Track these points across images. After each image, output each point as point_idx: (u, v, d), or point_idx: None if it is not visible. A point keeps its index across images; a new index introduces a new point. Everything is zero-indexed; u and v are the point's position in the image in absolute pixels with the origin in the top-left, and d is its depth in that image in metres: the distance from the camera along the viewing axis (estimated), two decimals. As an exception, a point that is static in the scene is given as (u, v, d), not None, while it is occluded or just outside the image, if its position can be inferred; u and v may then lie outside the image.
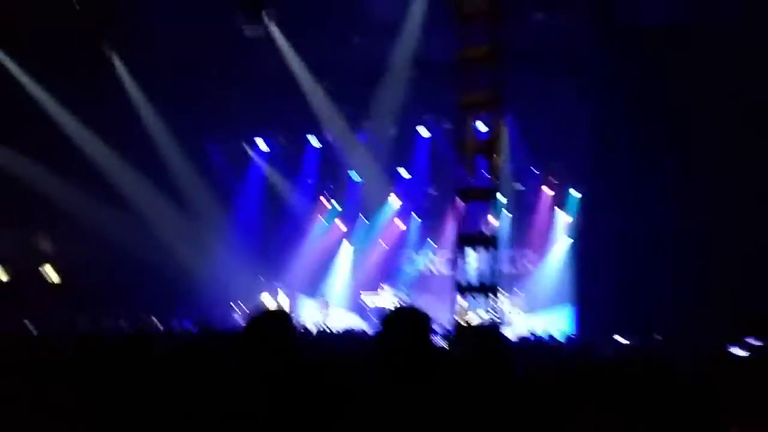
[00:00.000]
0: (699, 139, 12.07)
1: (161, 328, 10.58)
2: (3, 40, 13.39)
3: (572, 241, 16.04)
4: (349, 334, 9.19)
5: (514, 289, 16.04)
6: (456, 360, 4.05)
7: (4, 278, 14.90)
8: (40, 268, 15.49)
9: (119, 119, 14.75)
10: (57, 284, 15.30)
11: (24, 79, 14.08)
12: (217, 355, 3.82)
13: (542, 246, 16.77)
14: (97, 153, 14.85)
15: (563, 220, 16.55)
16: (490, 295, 9.25)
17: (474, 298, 9.66)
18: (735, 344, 9.22)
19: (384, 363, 2.52)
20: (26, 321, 8.72)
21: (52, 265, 15.47)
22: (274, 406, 2.42)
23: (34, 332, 7.06)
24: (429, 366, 2.48)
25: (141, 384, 2.94)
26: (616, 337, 10.69)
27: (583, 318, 14.21)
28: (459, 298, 9.64)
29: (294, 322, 2.88)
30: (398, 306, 2.74)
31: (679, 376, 3.29)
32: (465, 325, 7.55)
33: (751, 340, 9.34)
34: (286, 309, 14.87)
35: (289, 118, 16.19)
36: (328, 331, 11.38)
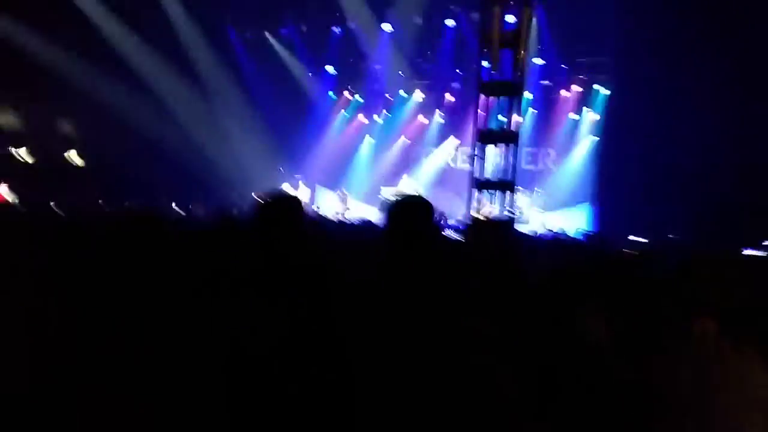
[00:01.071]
0: (734, 37, 11.53)
1: (180, 212, 10.77)
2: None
3: (596, 140, 15.80)
4: (363, 224, 9.28)
5: (534, 187, 15.98)
6: (466, 250, 4.09)
7: (30, 160, 15.14)
8: (64, 153, 15.69)
9: (141, 3, 14.46)
10: (80, 168, 15.55)
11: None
12: (229, 237, 3.90)
13: (565, 144, 16.57)
14: (120, 38, 14.70)
15: (589, 118, 16.24)
16: (507, 191, 9.24)
17: (491, 194, 9.66)
18: (751, 247, 9.23)
19: (387, 249, 2.54)
20: (52, 204, 8.88)
21: (75, 149, 15.65)
22: (277, 286, 2.47)
23: (62, 214, 7.20)
24: (432, 251, 2.49)
25: (153, 261, 3.00)
26: (632, 237, 10.72)
27: (601, 217, 14.20)
28: (476, 193, 9.65)
29: (305, 208, 2.89)
30: (402, 195, 2.73)
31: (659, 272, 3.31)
32: (478, 218, 7.59)
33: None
34: (305, 199, 15.03)
35: (312, 7, 15.71)
36: (344, 221, 11.52)
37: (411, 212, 2.56)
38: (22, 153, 15.07)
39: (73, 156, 15.75)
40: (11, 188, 12.85)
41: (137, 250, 3.21)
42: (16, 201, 11.88)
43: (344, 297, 2.50)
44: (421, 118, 17.80)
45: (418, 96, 17.60)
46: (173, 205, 11.93)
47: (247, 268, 2.66)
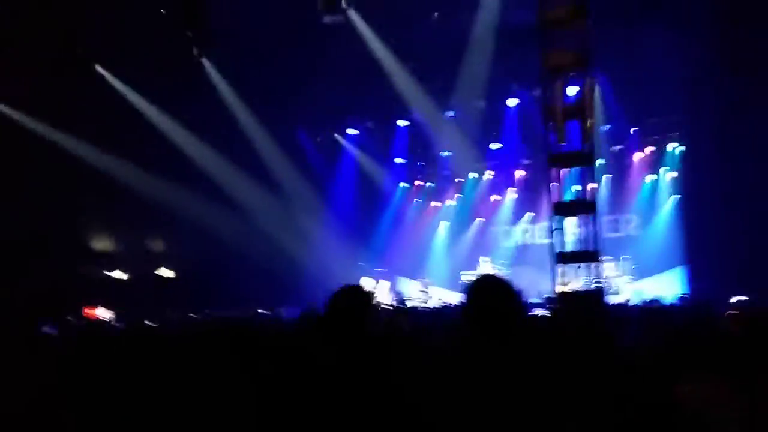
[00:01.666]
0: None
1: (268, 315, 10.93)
2: (98, 55, 14.14)
3: (677, 199, 15.30)
4: (444, 308, 9.17)
5: (621, 255, 15.48)
6: (555, 326, 3.97)
7: (124, 277, 15.86)
8: (155, 270, 16.38)
9: (213, 118, 15.30)
10: (170, 280, 16.15)
11: (124, 90, 14.85)
12: (312, 333, 3.93)
13: (646, 208, 16.11)
14: (197, 153, 15.48)
15: (666, 178, 15.82)
16: (592, 262, 8.96)
17: (575, 267, 9.39)
18: None
19: (466, 329, 2.49)
20: (145, 321, 9.19)
21: (165, 265, 16.32)
22: (340, 379, 2.45)
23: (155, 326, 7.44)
24: (514, 329, 2.42)
25: (236, 366, 3.06)
26: (734, 298, 10.12)
27: (696, 280, 13.55)
28: (559, 268, 9.40)
29: (373, 298, 2.90)
30: (481, 275, 2.69)
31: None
32: (565, 291, 7.37)
33: None
34: (384, 290, 15.03)
35: (376, 103, 16.24)
36: (424, 308, 11.42)
37: (489, 291, 2.51)
38: (116, 274, 15.83)
39: (163, 271, 16.41)
40: (108, 308, 13.42)
41: (224, 356, 3.28)
42: (113, 318, 12.36)
43: (423, 375, 2.45)
44: (494, 197, 17.78)
45: (489, 176, 17.65)
46: (259, 310, 12.13)
47: (322, 360, 2.66)
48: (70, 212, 14.21)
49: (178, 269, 16.19)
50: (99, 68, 14.39)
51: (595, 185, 9.36)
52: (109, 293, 14.40)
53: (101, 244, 16.05)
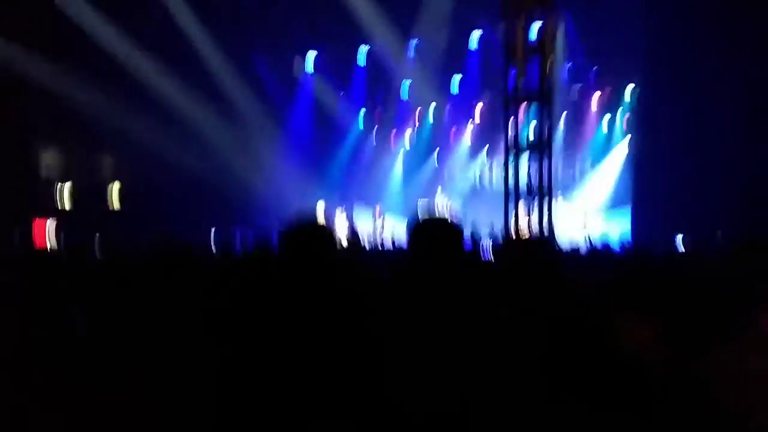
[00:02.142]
0: (757, 29, 11.29)
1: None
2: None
3: (629, 139, 15.56)
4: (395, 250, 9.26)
5: (573, 193, 15.78)
6: (498, 270, 4.03)
7: (68, 203, 15.54)
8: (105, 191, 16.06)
9: (168, 36, 14.76)
10: (119, 206, 15.91)
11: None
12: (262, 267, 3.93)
13: (602, 147, 16.35)
14: (149, 73, 14.98)
15: (622, 119, 16.02)
16: (544, 200, 9.13)
17: (528, 204, 9.55)
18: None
19: (410, 274, 2.51)
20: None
21: (114, 186, 16.02)
22: (302, 324, 2.45)
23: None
24: (457, 273, 2.45)
25: (184, 292, 3.05)
26: (678, 238, 10.48)
27: (642, 219, 13.93)
28: (512, 204, 9.56)
29: (333, 235, 2.81)
30: (425, 218, 2.67)
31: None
32: (512, 237, 7.50)
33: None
34: (334, 219, 15.08)
35: (337, 29, 15.85)
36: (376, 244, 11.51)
37: (432, 234, 2.52)
38: (66, 191, 15.48)
39: (114, 194, 16.11)
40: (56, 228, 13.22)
41: (169, 281, 3.26)
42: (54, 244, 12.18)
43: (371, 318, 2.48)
44: (452, 132, 17.77)
45: (448, 111, 17.59)
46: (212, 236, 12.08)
47: (275, 299, 2.64)
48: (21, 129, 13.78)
49: (128, 193, 15.91)
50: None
51: (549, 126, 9.43)
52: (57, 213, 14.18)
53: (51, 158, 15.64)
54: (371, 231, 15.69)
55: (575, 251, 8.35)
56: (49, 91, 13.66)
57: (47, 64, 13.64)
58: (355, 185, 17.94)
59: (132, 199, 15.71)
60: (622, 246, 9.57)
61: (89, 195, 15.51)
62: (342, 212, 16.96)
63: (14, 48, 13.30)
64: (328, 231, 2.76)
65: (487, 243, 8.10)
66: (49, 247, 11.13)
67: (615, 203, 15.59)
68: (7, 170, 13.12)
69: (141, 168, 15.31)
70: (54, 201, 15.10)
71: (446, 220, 2.62)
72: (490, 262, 4.66)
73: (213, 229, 12.61)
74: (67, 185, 15.51)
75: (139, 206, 14.89)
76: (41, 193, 14.90)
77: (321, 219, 3.06)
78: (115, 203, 15.82)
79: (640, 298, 3.08)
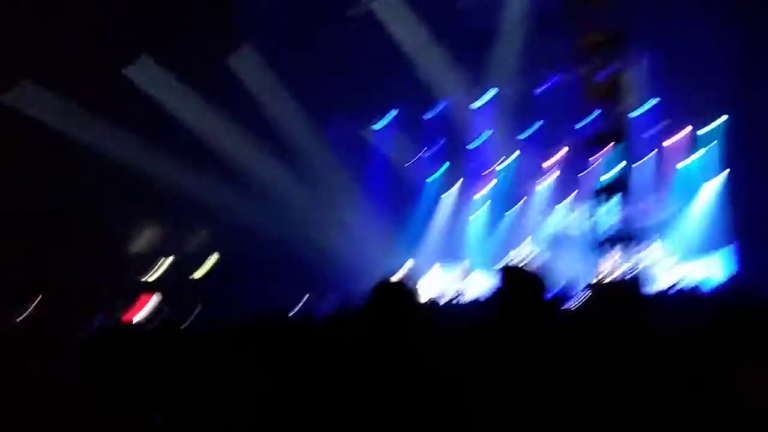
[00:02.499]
0: None
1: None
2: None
3: (720, 178, 14.87)
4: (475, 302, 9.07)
5: (661, 237, 15.11)
6: (588, 319, 3.87)
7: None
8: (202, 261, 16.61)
9: (248, 109, 15.38)
10: (209, 278, 16.40)
11: (166, 84, 14.98)
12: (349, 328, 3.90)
13: (688, 188, 15.67)
14: (231, 143, 15.56)
15: (705, 158, 15.38)
16: (630, 244, 8.77)
17: (616, 250, 9.20)
18: None
19: (493, 327, 2.44)
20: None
21: (212, 258, 16.57)
22: (389, 387, 2.39)
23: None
24: (542, 325, 2.36)
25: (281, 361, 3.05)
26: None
27: (744, 259, 13.14)
28: (599, 252, 9.23)
29: (415, 294, 2.76)
30: (507, 267, 2.61)
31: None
32: (599, 282, 7.22)
33: None
34: (417, 279, 14.93)
35: (406, 91, 16.13)
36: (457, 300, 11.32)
37: (516, 285, 2.45)
38: (166, 264, 16.12)
39: (209, 265, 16.65)
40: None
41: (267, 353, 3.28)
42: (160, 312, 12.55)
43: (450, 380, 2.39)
44: (530, 184, 17.55)
45: (524, 161, 17.41)
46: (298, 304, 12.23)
47: (359, 359, 2.59)
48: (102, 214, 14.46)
49: (217, 268, 16.42)
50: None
51: (628, 169, 9.15)
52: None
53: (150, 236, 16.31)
54: (458, 288, 15.47)
55: (669, 294, 7.92)
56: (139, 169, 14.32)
57: (137, 143, 14.37)
58: (438, 244, 17.85)
59: (223, 271, 16.19)
60: (727, 283, 9.02)
61: (184, 269, 16.09)
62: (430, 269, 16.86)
63: (108, 128, 14.11)
64: (408, 288, 2.72)
65: (573, 290, 7.85)
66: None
67: (709, 246, 14.79)
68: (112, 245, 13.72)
69: (231, 240, 15.81)
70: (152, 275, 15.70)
71: (527, 270, 2.56)
72: (574, 309, 4.48)
73: (306, 296, 12.67)
74: (169, 259, 16.16)
75: (231, 277, 15.30)
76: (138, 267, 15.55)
77: (404, 278, 3.01)
78: (206, 272, 16.35)
79: (753, 342, 2.86)
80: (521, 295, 2.45)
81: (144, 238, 16.21)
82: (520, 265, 2.86)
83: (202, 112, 15.19)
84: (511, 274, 2.60)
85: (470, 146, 17.41)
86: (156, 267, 16.04)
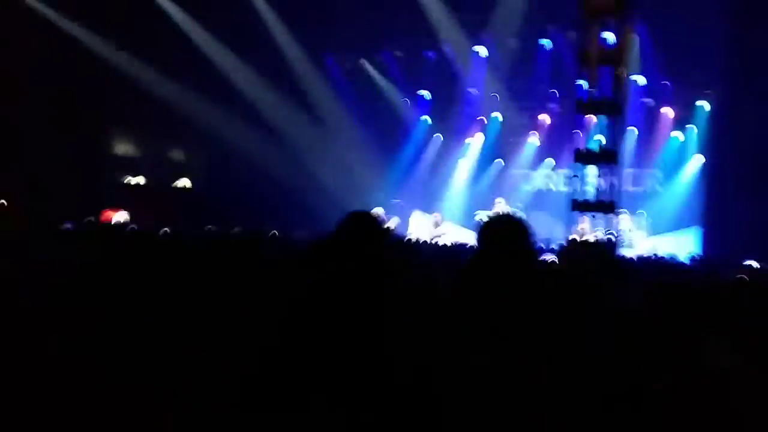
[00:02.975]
0: None
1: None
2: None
3: (703, 158, 15.07)
4: (457, 246, 9.20)
5: (640, 210, 15.37)
6: (559, 272, 3.98)
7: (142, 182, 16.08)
8: (175, 180, 16.59)
9: (246, 31, 15.16)
10: (190, 192, 16.37)
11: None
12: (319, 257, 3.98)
13: (672, 164, 15.87)
14: (228, 66, 15.43)
15: (694, 136, 15.53)
16: (609, 213, 8.93)
17: (594, 217, 9.36)
18: None
19: (474, 267, 2.50)
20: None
21: (186, 176, 16.51)
22: (347, 304, 2.46)
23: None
24: (524, 272, 2.42)
25: (249, 281, 3.12)
26: (750, 262, 10.08)
27: (712, 241, 13.47)
28: (578, 216, 9.39)
29: (383, 225, 2.84)
30: (496, 214, 2.68)
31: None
32: (577, 240, 7.37)
33: None
34: (395, 223, 15.08)
35: (405, 31, 15.94)
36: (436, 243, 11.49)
37: (504, 230, 2.50)
38: (138, 180, 16.05)
39: (184, 182, 16.61)
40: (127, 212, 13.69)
41: (235, 270, 3.35)
42: (128, 221, 12.57)
43: (425, 307, 2.48)
44: (517, 139, 17.57)
45: (515, 117, 17.40)
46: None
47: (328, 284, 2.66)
48: (94, 115, 14.33)
49: (199, 182, 16.39)
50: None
51: (620, 138, 9.22)
52: (128, 199, 14.67)
53: (123, 148, 16.22)
54: (429, 238, 15.63)
55: (642, 261, 8.14)
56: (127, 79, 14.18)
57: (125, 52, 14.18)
58: (416, 191, 17.93)
59: (202, 189, 16.20)
60: (693, 260, 9.29)
61: (159, 184, 16.05)
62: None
63: (97, 38, 13.89)
64: (374, 219, 2.79)
65: (549, 246, 8.00)
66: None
67: (683, 224, 15.09)
68: (81, 158, 13.68)
69: (216, 163, 15.78)
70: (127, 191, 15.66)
71: (517, 218, 2.61)
72: (552, 262, 4.60)
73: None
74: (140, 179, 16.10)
75: (209, 196, 15.31)
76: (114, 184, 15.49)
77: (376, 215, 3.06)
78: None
79: (718, 316, 3.00)
80: (507, 235, 2.49)
81: (128, 145, 16.09)
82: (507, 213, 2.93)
83: (205, 38, 15.03)
84: (498, 218, 2.65)
85: (463, 94, 17.35)
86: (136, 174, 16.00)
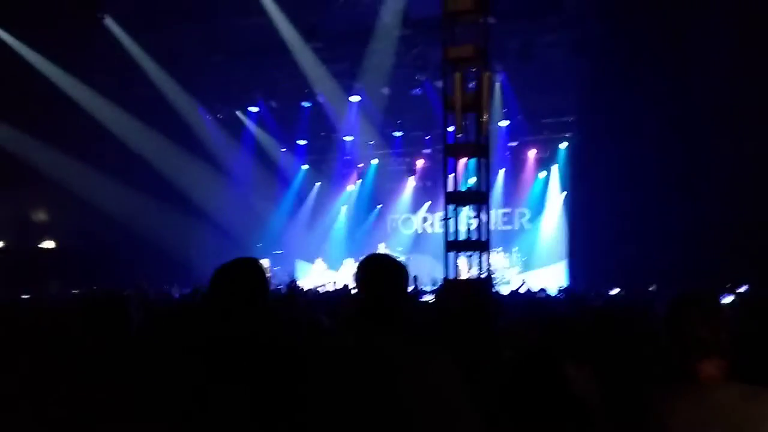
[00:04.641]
0: (691, 87, 11.98)
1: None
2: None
3: (565, 195, 16.04)
4: (339, 290, 9.21)
5: (512, 247, 16.08)
6: (439, 313, 4.07)
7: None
8: (37, 242, 15.59)
9: (118, 83, 14.63)
10: (51, 252, 15.40)
11: (17, 46, 13.94)
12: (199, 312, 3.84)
13: (538, 203, 16.77)
14: (88, 121, 14.74)
15: (556, 175, 16.54)
16: (482, 252, 9.24)
17: (468, 256, 9.64)
18: (727, 293, 9.26)
19: (353, 310, 2.50)
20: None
21: (49, 236, 15.55)
22: (236, 364, 2.40)
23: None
24: (398, 310, 2.44)
25: (118, 341, 2.95)
26: (614, 290, 10.74)
27: (578, 273, 14.26)
28: (452, 256, 9.63)
29: (262, 269, 2.74)
30: (372, 254, 2.69)
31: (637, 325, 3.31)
32: (453, 280, 7.56)
33: (743, 288, 9.37)
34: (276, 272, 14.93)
35: (280, 82, 16.02)
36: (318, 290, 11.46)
37: (376, 269, 2.51)
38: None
39: (45, 243, 15.65)
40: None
41: (102, 331, 3.15)
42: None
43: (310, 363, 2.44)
44: (395, 185, 17.98)
45: (389, 162, 17.82)
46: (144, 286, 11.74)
47: (208, 346, 2.57)
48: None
49: (61, 241, 15.43)
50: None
51: (488, 177, 9.63)
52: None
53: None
54: (312, 285, 15.55)
55: (513, 295, 8.47)
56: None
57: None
58: (297, 241, 17.86)
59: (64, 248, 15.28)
60: (561, 291, 9.76)
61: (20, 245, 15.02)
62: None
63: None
64: (257, 265, 2.70)
65: (427, 287, 8.16)
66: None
67: (552, 258, 15.92)
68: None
69: (76, 217, 14.93)
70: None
71: (391, 256, 2.65)
72: (428, 302, 4.69)
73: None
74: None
75: (74, 256, 14.45)
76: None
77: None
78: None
79: (579, 343, 3.17)
80: (386, 280, 2.50)
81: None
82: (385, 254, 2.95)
83: (68, 80, 14.35)
84: (377, 261, 2.65)
85: (339, 142, 17.59)
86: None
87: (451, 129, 9.59)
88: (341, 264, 17.17)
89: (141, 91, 14.77)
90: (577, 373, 2.86)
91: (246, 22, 13.79)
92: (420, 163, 17.67)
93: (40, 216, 15.98)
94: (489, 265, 9.42)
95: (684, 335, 2.04)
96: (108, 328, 3.03)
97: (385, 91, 16.03)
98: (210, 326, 2.59)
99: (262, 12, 13.66)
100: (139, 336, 3.21)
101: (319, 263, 17.51)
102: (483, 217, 9.24)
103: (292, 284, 9.73)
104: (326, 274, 16.83)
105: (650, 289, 10.73)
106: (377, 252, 15.06)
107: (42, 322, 4.02)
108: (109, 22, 13.98)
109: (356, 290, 2.53)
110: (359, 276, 2.52)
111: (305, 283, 15.82)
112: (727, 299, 8.08)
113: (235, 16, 13.63)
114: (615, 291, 10.71)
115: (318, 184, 18.43)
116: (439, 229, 17.00)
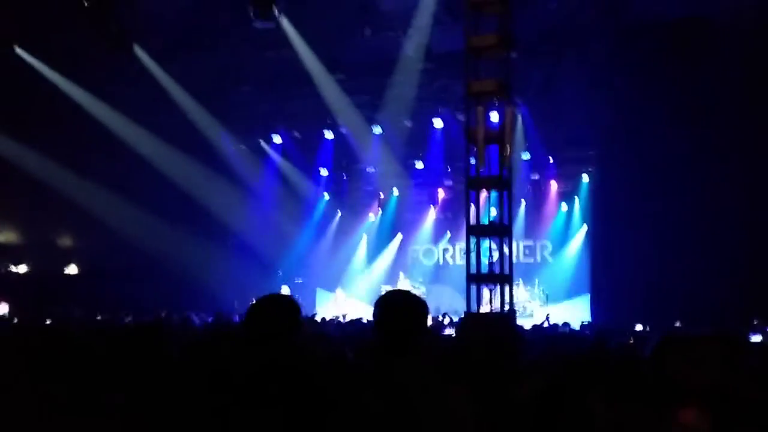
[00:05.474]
0: (708, 124, 11.97)
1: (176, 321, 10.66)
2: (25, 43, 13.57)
3: (587, 229, 15.95)
4: (357, 323, 9.19)
5: (534, 279, 15.98)
6: (460, 347, 4.04)
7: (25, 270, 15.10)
8: (63, 267, 15.77)
9: (147, 109, 14.83)
10: (76, 278, 15.53)
11: (45, 72, 14.20)
12: (225, 343, 3.86)
13: (561, 235, 16.68)
14: (115, 149, 14.93)
15: (579, 208, 16.48)
16: (504, 285, 9.19)
17: (491, 289, 9.60)
18: (756, 331, 9.11)
19: (374, 345, 2.51)
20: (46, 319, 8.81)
21: (73, 262, 15.72)
22: (267, 391, 2.42)
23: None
24: (417, 346, 2.46)
25: (152, 371, 2.97)
26: (638, 327, 10.62)
27: (600, 306, 14.11)
28: (475, 288, 9.59)
29: (299, 307, 2.82)
30: (390, 290, 2.72)
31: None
32: (474, 313, 7.52)
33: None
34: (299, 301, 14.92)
35: (303, 113, 16.17)
36: (339, 320, 11.45)
37: (395, 306, 2.54)
38: (21, 268, 15.16)
39: (70, 268, 15.81)
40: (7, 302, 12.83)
41: (137, 361, 3.18)
42: (5, 313, 11.79)
43: (332, 401, 2.45)
44: (416, 215, 18.01)
45: (412, 194, 17.86)
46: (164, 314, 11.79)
47: (241, 374, 2.60)
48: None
49: (84, 266, 15.58)
50: (19, 50, 13.74)
51: (509, 209, 9.62)
52: (10, 288, 13.79)
53: (6, 236, 15.32)
54: (333, 315, 15.53)
55: (536, 329, 8.39)
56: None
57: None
58: (318, 269, 17.88)
59: (88, 275, 15.40)
60: (585, 326, 9.65)
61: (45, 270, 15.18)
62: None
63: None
64: (294, 303, 2.76)
65: (447, 320, 8.13)
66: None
67: (574, 291, 15.79)
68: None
69: (101, 246, 15.07)
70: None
71: (410, 292, 2.67)
72: (450, 336, 4.66)
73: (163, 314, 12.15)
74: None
75: (96, 283, 14.55)
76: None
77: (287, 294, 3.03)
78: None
79: (600, 379, 3.14)
80: (405, 316, 2.53)
81: (11, 232, 15.20)
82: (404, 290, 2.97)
83: (96, 108, 14.58)
84: (396, 296, 2.68)
85: (362, 172, 17.68)
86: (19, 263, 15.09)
87: (473, 162, 9.62)
88: (362, 292, 17.15)
89: (169, 119, 14.96)
90: (604, 411, 2.84)
91: (271, 54, 13.97)
92: (441, 193, 17.70)
93: (65, 241, 16.17)
94: (512, 297, 9.38)
95: (661, 380, 1.92)
96: (146, 356, 3.08)
97: (407, 123, 16.14)
98: (246, 354, 2.63)
99: (287, 44, 13.87)
100: (178, 362, 3.23)
101: (339, 293, 17.51)
102: (506, 250, 9.22)
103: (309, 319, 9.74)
104: (346, 303, 16.82)
105: (675, 325, 10.60)
106: (396, 288, 15.09)
107: (68, 349, 4.06)
108: (139, 51, 14.24)
109: (376, 326, 2.56)
110: (378, 312, 2.55)
111: (325, 312, 15.83)
112: (756, 338, 7.97)
113: (261, 48, 13.82)
114: (638, 327, 10.59)
115: (339, 213, 18.49)
116: (460, 260, 16.97)
